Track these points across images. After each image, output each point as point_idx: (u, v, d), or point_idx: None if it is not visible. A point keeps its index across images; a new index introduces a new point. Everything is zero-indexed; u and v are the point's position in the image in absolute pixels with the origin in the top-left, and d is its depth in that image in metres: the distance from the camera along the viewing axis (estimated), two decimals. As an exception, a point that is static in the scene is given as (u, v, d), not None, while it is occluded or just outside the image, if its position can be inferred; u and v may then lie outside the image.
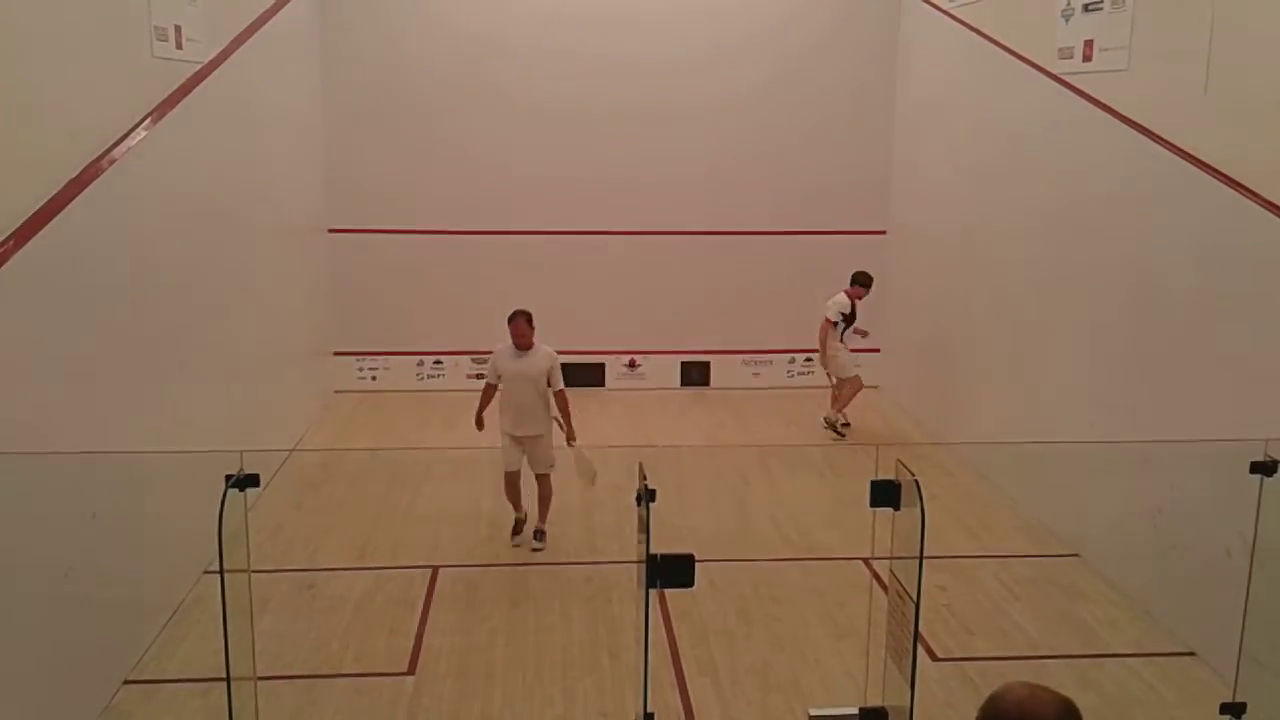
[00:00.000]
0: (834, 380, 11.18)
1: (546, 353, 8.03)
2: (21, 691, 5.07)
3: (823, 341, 10.93)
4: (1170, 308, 7.05)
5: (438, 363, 12.47)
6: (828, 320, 10.87)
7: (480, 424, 8.22)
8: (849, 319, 10.93)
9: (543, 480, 8.20)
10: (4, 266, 5.03)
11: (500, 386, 8.12)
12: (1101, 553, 7.75)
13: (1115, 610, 7.19)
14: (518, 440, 8.07)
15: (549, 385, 8.02)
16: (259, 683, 4.86)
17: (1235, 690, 5.49)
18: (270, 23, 9.48)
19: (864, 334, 11.17)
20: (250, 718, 4.56)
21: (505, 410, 8.06)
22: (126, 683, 6.15)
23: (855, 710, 4.40)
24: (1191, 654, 6.56)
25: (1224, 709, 5.48)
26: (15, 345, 5.17)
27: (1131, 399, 7.39)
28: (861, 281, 10.95)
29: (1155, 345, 7.19)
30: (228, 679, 4.24)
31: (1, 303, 5.01)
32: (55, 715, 5.42)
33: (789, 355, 12.75)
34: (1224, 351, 6.49)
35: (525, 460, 8.14)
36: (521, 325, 8.03)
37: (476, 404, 8.27)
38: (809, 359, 12.69)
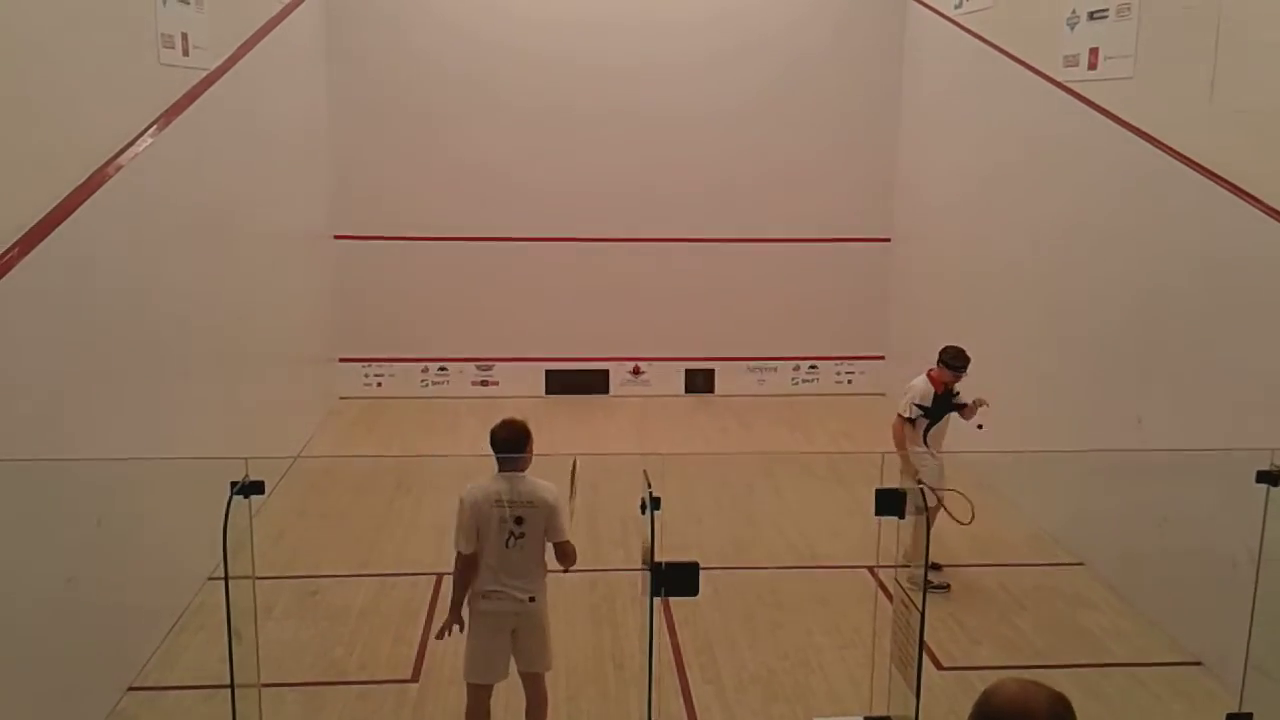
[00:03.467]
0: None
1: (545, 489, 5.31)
2: (26, 698, 5.06)
3: (899, 443, 7.73)
4: (1176, 316, 7.04)
5: (442, 369, 12.47)
6: (900, 417, 7.75)
7: (455, 625, 5.37)
8: (933, 410, 7.73)
9: (534, 684, 5.46)
10: (10, 273, 5.04)
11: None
12: (1107, 562, 7.73)
13: (1121, 619, 7.17)
14: (500, 620, 5.26)
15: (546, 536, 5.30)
16: (263, 689, 4.86)
17: (1241, 700, 5.48)
18: (276, 30, 9.51)
19: (976, 408, 7.79)
20: (254, 725, 4.56)
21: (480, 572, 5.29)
22: (130, 689, 6.15)
23: (860, 719, 4.39)
24: (1198, 664, 6.53)
25: (1230, 719, 5.46)
26: (20, 351, 5.18)
27: (1136, 407, 7.38)
28: (950, 362, 7.67)
29: (1161, 354, 7.18)
30: (231, 686, 4.24)
31: (7, 309, 5.02)
32: (59, 722, 5.42)
33: (793, 362, 12.74)
34: (1230, 360, 6.47)
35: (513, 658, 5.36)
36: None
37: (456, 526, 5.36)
38: (813, 366, 12.70)
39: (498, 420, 5.37)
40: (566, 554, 5.37)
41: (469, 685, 5.38)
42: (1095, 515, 7.89)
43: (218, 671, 4.77)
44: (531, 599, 5.29)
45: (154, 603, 6.73)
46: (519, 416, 5.41)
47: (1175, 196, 7.06)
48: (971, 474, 9.79)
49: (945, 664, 6.50)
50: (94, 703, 5.84)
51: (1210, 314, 6.68)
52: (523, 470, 5.30)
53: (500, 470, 5.28)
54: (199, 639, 6.69)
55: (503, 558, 5.23)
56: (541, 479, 5.34)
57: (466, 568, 5.27)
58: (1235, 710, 5.48)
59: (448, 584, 7.72)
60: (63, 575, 5.46)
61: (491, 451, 5.29)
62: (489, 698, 5.40)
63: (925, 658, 4.34)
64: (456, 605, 5.33)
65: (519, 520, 5.22)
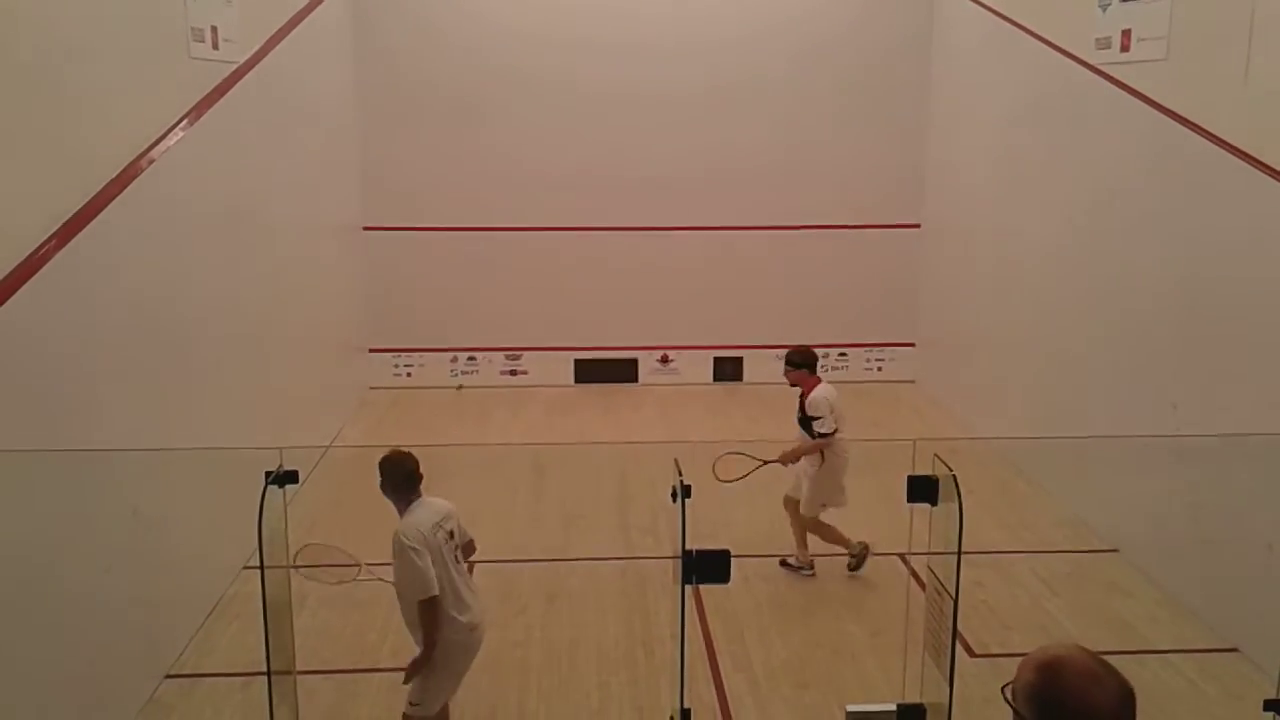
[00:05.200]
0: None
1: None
2: (66, 685, 5.14)
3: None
4: (1209, 299, 6.96)
5: (471, 359, 12.52)
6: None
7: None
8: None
9: None
10: (47, 266, 5.11)
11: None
12: (1141, 548, 7.67)
13: (1155, 606, 7.11)
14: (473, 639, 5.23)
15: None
16: (298, 677, 4.90)
17: (1279, 686, 5.42)
18: (305, 22, 9.55)
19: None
20: (290, 712, 4.60)
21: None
22: (168, 677, 6.23)
23: (893, 707, 4.37)
24: (1234, 650, 6.48)
25: (1268, 705, 5.40)
26: (56, 342, 5.25)
27: (1171, 392, 7.30)
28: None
29: (1196, 338, 7.10)
30: (268, 673, 4.28)
31: (44, 301, 5.08)
32: (98, 709, 5.50)
33: (823, 350, 12.63)
34: (1263, 343, 6.39)
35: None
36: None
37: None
38: (843, 353, 12.65)
39: (384, 457, 5.18)
40: (473, 549, 5.38)
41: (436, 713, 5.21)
42: (1129, 501, 7.82)
43: (253, 659, 4.81)
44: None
45: (190, 591, 6.81)
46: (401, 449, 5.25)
47: (1209, 179, 6.97)
48: (1004, 458, 9.75)
49: (978, 651, 6.48)
50: (133, 689, 5.92)
51: (1246, 297, 6.60)
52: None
53: (416, 499, 5.16)
54: (235, 627, 6.76)
55: (462, 578, 5.19)
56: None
57: (441, 608, 5.05)
58: (1273, 696, 5.41)
59: (478, 572, 7.70)
60: (101, 564, 5.53)
61: (394, 488, 5.15)
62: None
63: (958, 644, 4.32)
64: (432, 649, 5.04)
65: (450, 534, 5.19)
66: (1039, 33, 9.38)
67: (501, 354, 12.49)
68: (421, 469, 5.19)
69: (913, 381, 12.48)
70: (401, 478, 5.14)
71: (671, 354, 12.66)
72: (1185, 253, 7.23)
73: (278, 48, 8.72)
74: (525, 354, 12.51)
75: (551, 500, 8.99)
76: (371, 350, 12.35)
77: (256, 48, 8.30)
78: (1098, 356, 8.39)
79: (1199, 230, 7.10)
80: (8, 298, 4.82)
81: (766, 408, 11.84)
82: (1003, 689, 2.32)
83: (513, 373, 12.53)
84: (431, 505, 5.18)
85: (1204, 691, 6.09)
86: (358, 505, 8.90)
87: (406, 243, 12.15)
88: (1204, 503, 6.89)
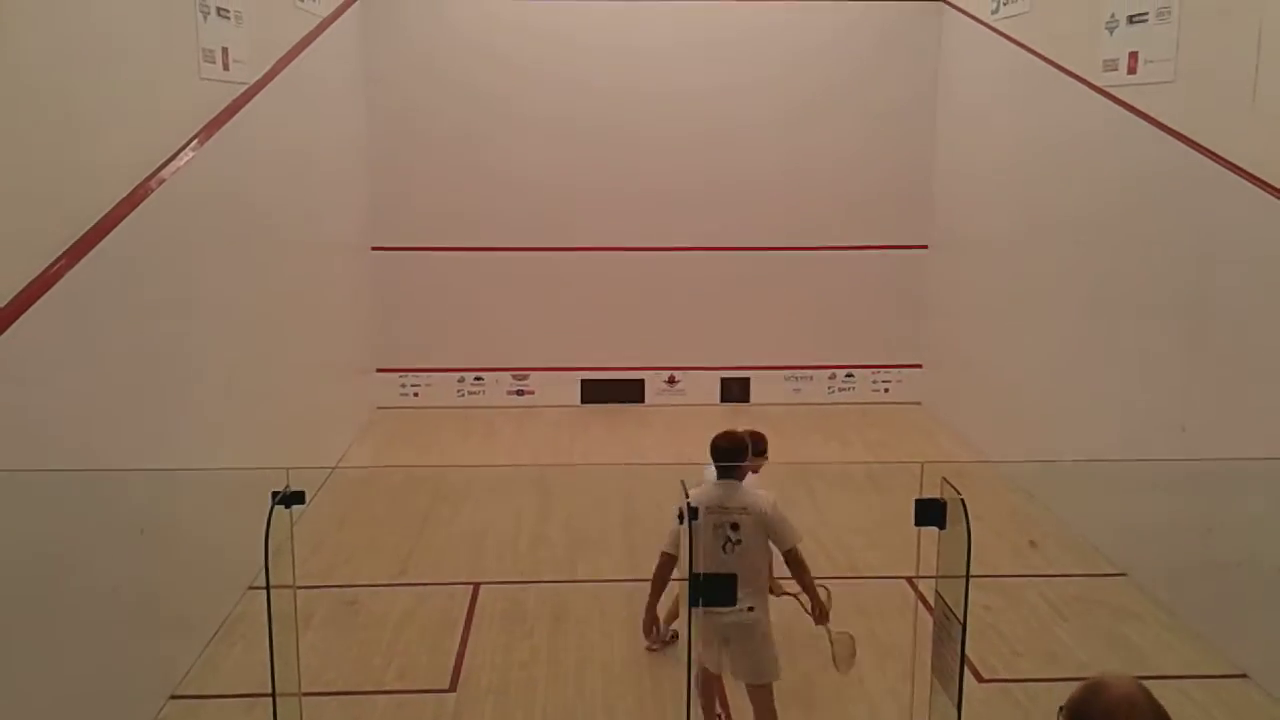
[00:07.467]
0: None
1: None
2: (69, 706, 5.13)
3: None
4: (1220, 321, 6.95)
5: (478, 379, 12.52)
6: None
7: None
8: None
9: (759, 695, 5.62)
10: (57, 284, 5.13)
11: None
12: (1151, 572, 7.62)
13: (1165, 631, 7.07)
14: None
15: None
16: (303, 698, 4.89)
17: (1290, 714, 5.39)
18: (315, 44, 9.61)
19: None
20: (294, 733, 4.59)
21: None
22: (172, 697, 6.21)
23: (900, 731, 4.35)
24: (1244, 676, 6.43)
25: (1278, 732, 5.38)
26: (65, 361, 5.26)
27: (1181, 415, 7.28)
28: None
29: (1205, 360, 7.09)
30: (273, 694, 4.27)
31: (53, 319, 5.10)
32: (103, 729, 5.48)
33: (829, 371, 12.67)
34: (1272, 366, 6.38)
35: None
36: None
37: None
38: (850, 375, 12.64)
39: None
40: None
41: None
42: (1138, 525, 7.78)
43: (259, 680, 4.80)
44: (750, 609, 5.43)
45: (196, 611, 6.80)
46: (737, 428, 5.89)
47: (1218, 201, 6.97)
48: (1012, 481, 9.72)
49: (986, 676, 6.43)
50: (137, 710, 5.90)
51: (1255, 319, 6.59)
52: (740, 478, 5.59)
53: (719, 478, 5.59)
54: (240, 648, 6.74)
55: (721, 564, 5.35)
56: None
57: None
58: (1284, 724, 5.39)
59: (485, 593, 7.70)
60: (107, 584, 5.52)
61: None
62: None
63: (966, 669, 4.29)
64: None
65: (734, 526, 5.45)
66: (1046, 55, 9.41)
67: (508, 374, 12.50)
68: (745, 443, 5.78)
69: (919, 403, 12.45)
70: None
71: (678, 375, 12.65)
72: (1193, 275, 7.22)
73: (288, 69, 8.76)
74: (532, 374, 12.51)
75: (558, 521, 8.97)
76: (379, 370, 12.36)
77: (267, 69, 8.35)
78: (1105, 379, 8.37)
79: (1208, 251, 7.09)
80: (18, 316, 4.83)
81: (774, 429, 11.78)
82: (1060, 708, 2.45)
83: (519, 393, 12.53)
84: (720, 488, 5.54)
85: (1214, 717, 6.04)
86: (364, 526, 8.94)
87: (414, 263, 12.18)
88: (1213, 527, 6.86)
